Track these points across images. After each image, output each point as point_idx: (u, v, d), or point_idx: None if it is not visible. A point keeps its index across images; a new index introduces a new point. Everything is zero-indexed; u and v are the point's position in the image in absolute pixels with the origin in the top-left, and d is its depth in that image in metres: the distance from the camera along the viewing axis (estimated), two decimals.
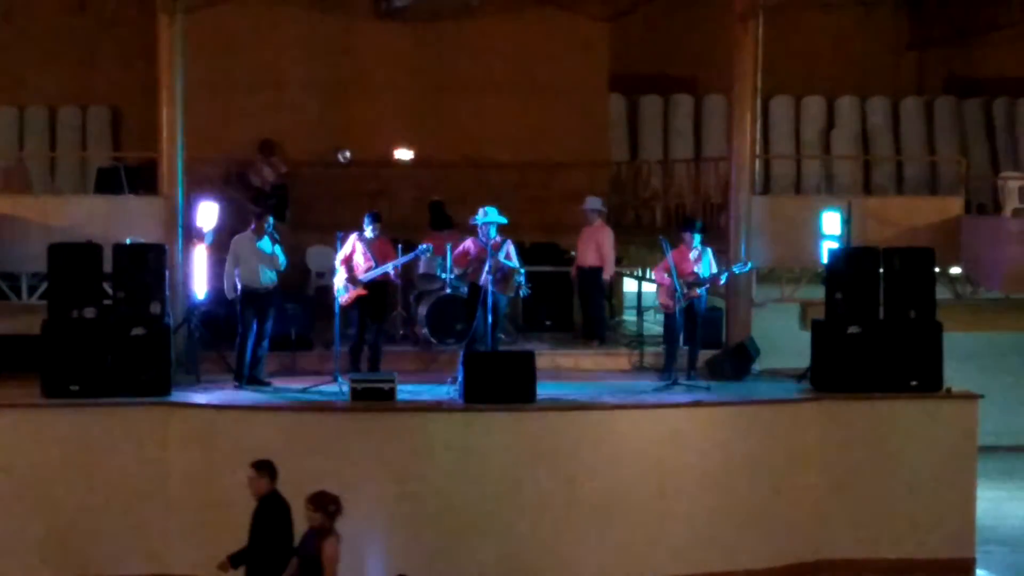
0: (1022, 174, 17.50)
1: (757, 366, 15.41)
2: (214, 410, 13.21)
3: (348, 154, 19.08)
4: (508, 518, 12.98)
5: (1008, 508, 16.49)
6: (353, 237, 14.41)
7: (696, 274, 14.57)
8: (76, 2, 20.36)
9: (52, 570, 12.89)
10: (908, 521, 13.80)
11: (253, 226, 14.07)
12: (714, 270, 14.76)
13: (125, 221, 14.98)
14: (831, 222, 15.38)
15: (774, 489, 13.54)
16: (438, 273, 15.73)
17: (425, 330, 15.57)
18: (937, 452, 13.87)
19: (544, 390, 13.54)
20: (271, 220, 14.12)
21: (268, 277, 14.01)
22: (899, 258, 14.34)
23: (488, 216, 14.30)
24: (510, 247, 14.46)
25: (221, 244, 14.62)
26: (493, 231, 14.26)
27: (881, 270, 14.31)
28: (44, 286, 14.51)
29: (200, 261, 14.74)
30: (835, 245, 15.02)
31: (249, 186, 18.65)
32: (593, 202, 16.51)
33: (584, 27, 19.85)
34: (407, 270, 15.54)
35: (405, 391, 13.48)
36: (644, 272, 19.14)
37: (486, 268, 14.04)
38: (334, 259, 14.45)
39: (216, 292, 14.62)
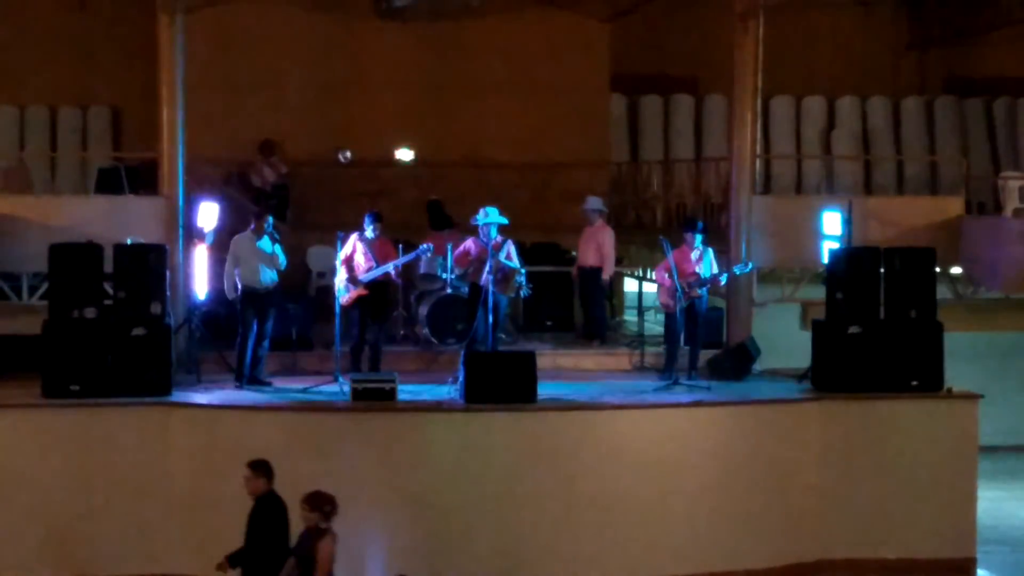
0: (1022, 174, 17.49)
1: (758, 366, 15.40)
2: (215, 410, 13.20)
3: (348, 154, 19.03)
4: (508, 518, 12.98)
5: (1008, 508, 16.50)
6: (354, 237, 14.40)
7: (697, 274, 14.55)
8: (76, 2, 20.33)
9: (52, 570, 12.88)
10: (908, 521, 13.79)
11: (253, 226, 14.06)
12: (715, 270, 14.75)
13: (125, 221, 14.95)
14: (832, 222, 15.37)
15: (774, 489, 13.53)
16: (439, 273, 15.75)
17: (426, 330, 15.57)
18: (937, 452, 13.87)
19: (545, 390, 13.54)
20: (271, 220, 14.10)
21: (268, 277, 14.00)
22: (900, 258, 14.33)
23: (489, 216, 14.29)
24: (511, 247, 14.45)
25: (221, 244, 14.61)
26: (494, 231, 14.25)
27: (882, 270, 14.30)
28: (45, 286, 14.49)
29: (201, 261, 14.74)
30: (836, 245, 15.00)
31: (249, 186, 18.63)
32: (594, 202, 16.51)
33: (584, 27, 19.80)
34: (408, 270, 15.52)
35: (406, 391, 13.48)
36: (645, 272, 19.11)
37: (487, 268, 14.03)
38: (335, 259, 14.44)
39: (216, 292, 14.60)
